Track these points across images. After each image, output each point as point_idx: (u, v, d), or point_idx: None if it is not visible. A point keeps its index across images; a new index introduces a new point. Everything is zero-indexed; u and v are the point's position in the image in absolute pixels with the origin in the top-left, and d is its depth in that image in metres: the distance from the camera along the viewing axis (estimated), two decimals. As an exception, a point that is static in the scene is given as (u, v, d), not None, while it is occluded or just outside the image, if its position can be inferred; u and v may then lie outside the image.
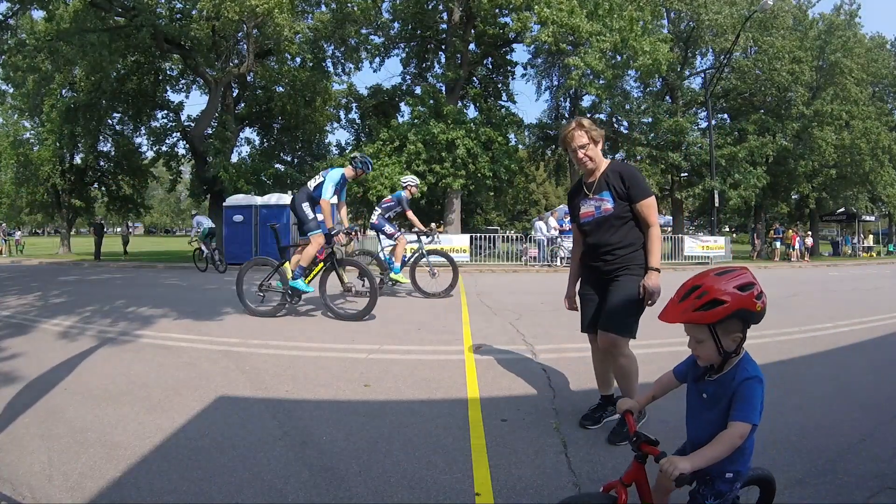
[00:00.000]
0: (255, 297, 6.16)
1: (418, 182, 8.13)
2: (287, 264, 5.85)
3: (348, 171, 5.92)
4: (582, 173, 2.77)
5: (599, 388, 2.84)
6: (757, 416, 1.33)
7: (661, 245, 2.59)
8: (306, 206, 5.72)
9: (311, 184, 5.86)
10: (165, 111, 22.81)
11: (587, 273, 2.77)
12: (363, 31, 19.90)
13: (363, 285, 6.40)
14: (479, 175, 17.97)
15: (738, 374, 1.37)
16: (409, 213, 7.56)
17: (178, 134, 22.36)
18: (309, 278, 5.78)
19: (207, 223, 13.76)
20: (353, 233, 6.38)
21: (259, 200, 15.74)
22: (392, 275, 7.27)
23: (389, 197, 7.70)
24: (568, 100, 22.43)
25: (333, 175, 5.71)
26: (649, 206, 2.56)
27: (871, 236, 26.76)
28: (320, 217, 5.67)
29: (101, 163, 24.25)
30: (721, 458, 1.32)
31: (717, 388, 1.40)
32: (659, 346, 4.53)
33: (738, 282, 1.35)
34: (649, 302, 2.49)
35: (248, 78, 21.37)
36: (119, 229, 20.84)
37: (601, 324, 2.58)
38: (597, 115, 21.46)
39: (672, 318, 1.40)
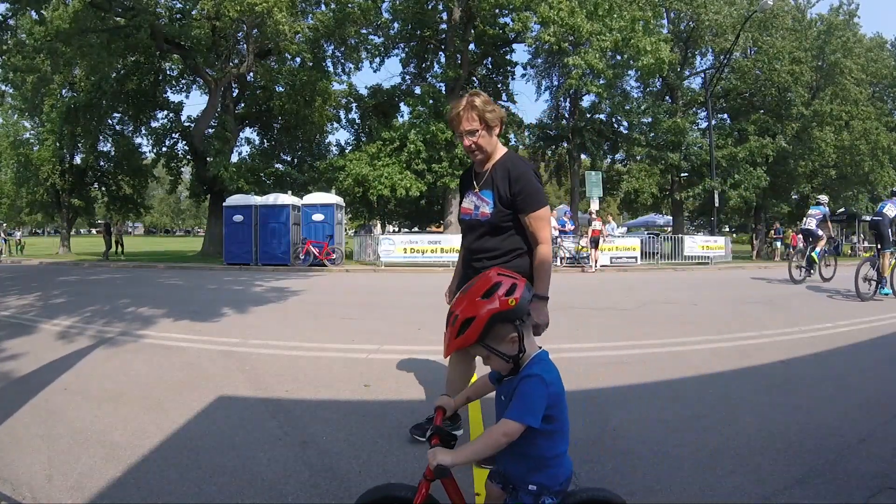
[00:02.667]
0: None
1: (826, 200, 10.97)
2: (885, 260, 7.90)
3: None
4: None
5: None
6: (530, 416, 1.24)
7: (551, 269, 2.15)
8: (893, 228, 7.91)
9: (890, 213, 7.89)
10: (165, 111, 22.81)
11: (464, 274, 2.41)
12: (363, 31, 19.90)
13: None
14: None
15: (523, 372, 1.33)
16: (829, 224, 10.48)
17: (178, 134, 22.36)
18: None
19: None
20: None
21: (259, 200, 15.75)
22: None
23: (818, 210, 10.25)
24: (568, 100, 22.43)
25: None
26: (539, 219, 2.12)
27: (853, 236, 26.66)
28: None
29: (101, 163, 24.24)
30: (484, 455, 1.27)
31: (509, 388, 1.36)
32: (659, 347, 4.54)
33: (480, 292, 1.31)
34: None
35: (248, 78, 21.38)
36: (114, 229, 20.88)
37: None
38: (597, 116, 21.47)
39: (447, 352, 1.38)
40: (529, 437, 1.28)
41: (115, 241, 19.94)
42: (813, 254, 9.89)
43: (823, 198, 11.00)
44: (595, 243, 13.97)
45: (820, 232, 10.14)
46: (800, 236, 12.36)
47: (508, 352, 1.31)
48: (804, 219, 10.54)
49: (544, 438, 1.31)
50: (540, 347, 1.40)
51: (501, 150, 2.28)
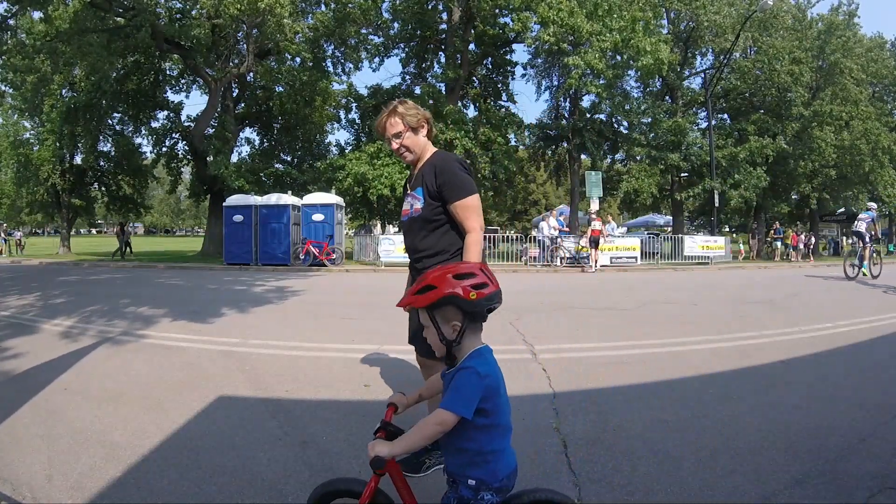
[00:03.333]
0: None
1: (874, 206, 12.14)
2: None
3: None
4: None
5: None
6: (462, 406, 1.26)
7: (481, 252, 2.15)
8: None
9: None
10: (165, 111, 22.81)
11: (412, 277, 2.42)
12: (363, 31, 19.88)
13: None
14: (477, 175, 17.99)
15: (460, 364, 1.36)
16: (876, 227, 11.43)
17: (178, 134, 22.36)
18: None
19: None
20: None
21: (259, 200, 15.75)
22: None
23: (867, 215, 11.35)
24: (568, 100, 22.41)
25: None
26: (466, 208, 2.15)
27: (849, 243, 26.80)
28: None
29: (101, 163, 24.20)
30: (420, 446, 1.28)
31: (450, 381, 1.38)
32: (659, 347, 4.54)
33: (455, 272, 1.36)
34: None
35: (248, 78, 21.36)
36: (127, 229, 20.94)
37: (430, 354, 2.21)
38: (597, 116, 21.46)
39: (401, 302, 1.45)
40: (464, 431, 1.30)
41: (126, 241, 20.02)
42: (863, 268, 11.17)
43: (872, 204, 12.29)
44: (595, 243, 13.98)
45: (867, 235, 11.33)
46: (852, 238, 13.60)
47: (447, 334, 1.35)
48: (855, 222, 11.77)
49: (479, 432, 1.32)
50: (483, 343, 1.42)
51: (432, 151, 2.34)
